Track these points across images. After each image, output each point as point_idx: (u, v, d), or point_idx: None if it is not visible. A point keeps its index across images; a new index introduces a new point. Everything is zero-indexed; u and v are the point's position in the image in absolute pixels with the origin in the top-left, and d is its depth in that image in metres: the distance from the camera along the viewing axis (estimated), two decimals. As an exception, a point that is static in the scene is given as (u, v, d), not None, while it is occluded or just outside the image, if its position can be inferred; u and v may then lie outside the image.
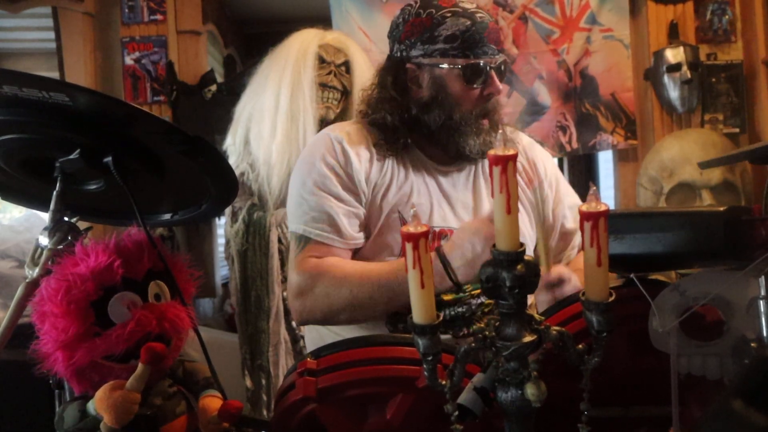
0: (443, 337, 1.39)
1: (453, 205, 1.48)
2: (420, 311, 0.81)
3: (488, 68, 1.41)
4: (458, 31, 1.39)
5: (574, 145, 3.31)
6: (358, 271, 1.37)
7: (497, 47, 1.42)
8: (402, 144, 1.46)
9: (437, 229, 1.45)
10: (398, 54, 1.47)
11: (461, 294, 1.43)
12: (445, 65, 1.41)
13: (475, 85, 1.41)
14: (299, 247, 1.44)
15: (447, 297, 1.41)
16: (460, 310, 1.42)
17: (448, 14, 1.40)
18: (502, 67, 1.44)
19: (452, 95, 1.41)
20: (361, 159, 1.44)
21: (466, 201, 1.50)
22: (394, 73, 1.47)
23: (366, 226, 1.45)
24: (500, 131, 1.03)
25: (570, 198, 1.62)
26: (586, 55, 3.26)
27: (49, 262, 1.10)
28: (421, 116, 1.45)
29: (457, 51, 1.39)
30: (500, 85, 1.43)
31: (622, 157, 3.45)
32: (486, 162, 1.51)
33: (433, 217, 1.45)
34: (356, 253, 1.45)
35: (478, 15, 1.40)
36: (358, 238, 1.43)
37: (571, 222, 1.59)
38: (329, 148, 1.44)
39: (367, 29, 3.18)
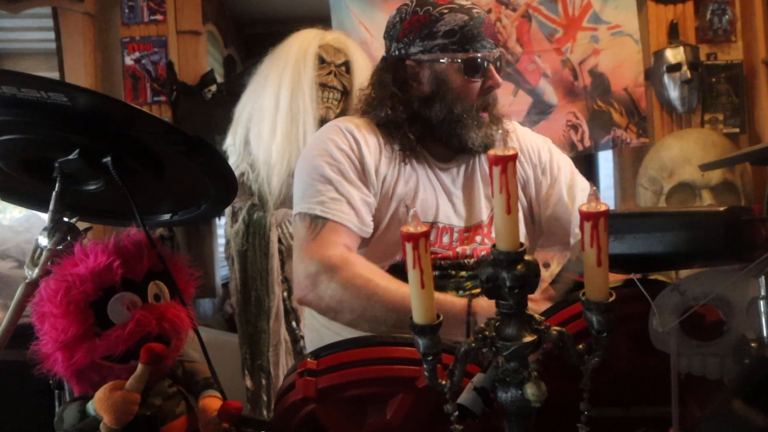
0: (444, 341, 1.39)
1: (454, 202, 1.49)
2: (420, 311, 0.81)
3: (487, 62, 1.42)
4: (456, 26, 1.41)
5: (587, 143, 3.28)
6: (382, 287, 1.31)
7: (494, 41, 1.44)
8: (411, 143, 1.46)
9: (441, 226, 1.46)
10: (396, 52, 1.48)
11: (461, 293, 1.43)
12: (445, 60, 1.42)
13: (475, 78, 1.43)
14: (315, 229, 1.39)
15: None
16: None
17: (446, 11, 1.42)
18: (498, 63, 1.45)
19: (453, 89, 1.43)
20: (371, 149, 1.45)
21: (463, 197, 1.51)
22: (394, 71, 1.48)
23: (375, 218, 1.44)
24: (500, 130, 1.02)
25: (566, 177, 1.59)
26: (594, 54, 3.24)
27: (49, 263, 1.10)
28: (422, 111, 1.46)
29: (457, 45, 1.41)
30: (499, 79, 1.44)
31: (622, 157, 3.45)
32: (483, 158, 1.51)
33: (438, 213, 1.46)
34: (363, 244, 1.44)
35: (474, 10, 1.43)
36: (371, 226, 1.43)
37: (566, 199, 1.56)
38: (340, 136, 1.45)
39: (368, 24, 3.18)
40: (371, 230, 1.43)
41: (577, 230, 1.55)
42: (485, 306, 1.25)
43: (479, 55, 1.41)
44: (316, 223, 1.39)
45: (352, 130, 1.45)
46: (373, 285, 1.31)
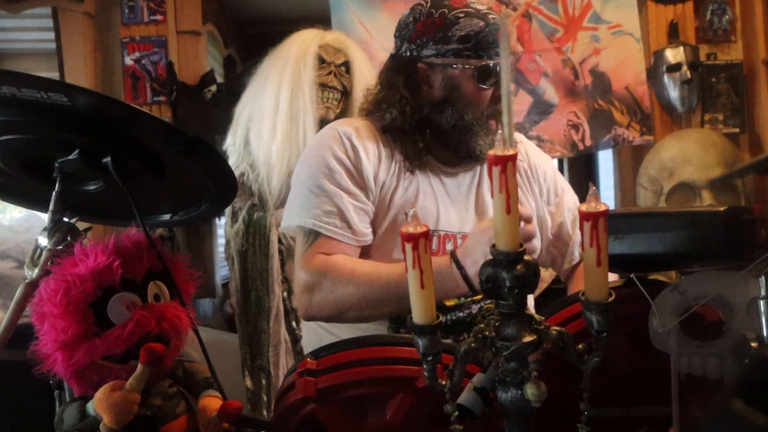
0: (444, 341, 1.39)
1: (458, 209, 1.47)
2: (420, 311, 0.81)
3: (500, 69, 1.40)
4: (472, 31, 1.38)
5: (588, 142, 3.27)
6: (367, 271, 1.35)
7: None
8: (417, 150, 1.45)
9: (442, 233, 1.44)
10: (408, 53, 1.45)
11: (463, 300, 1.42)
12: (458, 65, 1.40)
13: (487, 86, 1.41)
14: (307, 242, 1.41)
15: (449, 302, 1.40)
16: (461, 314, 1.42)
17: (461, 15, 1.39)
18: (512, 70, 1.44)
19: (465, 95, 1.41)
20: (370, 156, 1.43)
21: (469, 204, 1.49)
22: (405, 73, 1.45)
23: (372, 225, 1.43)
24: (500, 131, 1.00)
25: (570, 203, 1.61)
26: (595, 53, 3.24)
27: (49, 263, 1.10)
28: (432, 116, 1.44)
29: (471, 52, 1.39)
30: (511, 87, 1.43)
31: (622, 157, 3.45)
32: None
33: (439, 221, 1.44)
34: (362, 252, 1.43)
35: (491, 16, 1.40)
36: (368, 234, 1.42)
37: (569, 226, 1.58)
38: (338, 143, 1.43)
39: (368, 24, 3.17)
40: (369, 238, 1.42)
41: (576, 255, 1.56)
42: (469, 250, 1.26)
43: (493, 62, 1.38)
44: (309, 236, 1.41)
45: (350, 135, 1.43)
46: (358, 274, 1.34)
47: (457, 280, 1.27)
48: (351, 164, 1.41)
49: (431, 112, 1.44)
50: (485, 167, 1.51)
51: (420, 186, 1.45)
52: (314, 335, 1.54)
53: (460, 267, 1.27)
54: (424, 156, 1.46)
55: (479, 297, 1.43)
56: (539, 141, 3.19)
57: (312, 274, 1.38)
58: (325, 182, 1.40)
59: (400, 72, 1.47)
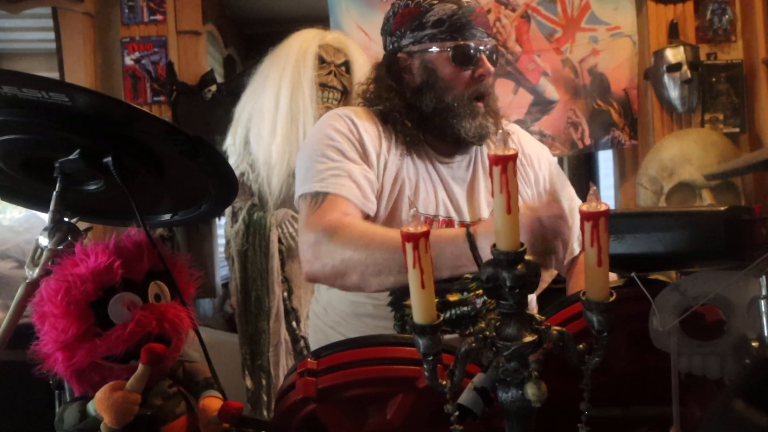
0: (450, 336, 1.39)
1: (453, 197, 1.49)
2: (420, 311, 0.81)
3: (477, 50, 1.42)
4: (445, 15, 1.42)
5: (587, 141, 3.28)
6: (379, 233, 1.29)
7: (486, 31, 1.44)
8: (410, 131, 1.46)
9: (441, 218, 1.46)
10: (390, 46, 1.50)
11: (466, 294, 1.43)
12: (434, 49, 1.43)
13: (465, 67, 1.43)
14: (315, 204, 1.37)
15: (452, 297, 1.42)
16: (465, 309, 1.43)
17: (435, 2, 1.44)
18: (494, 56, 1.46)
19: (443, 78, 1.43)
20: (371, 135, 1.45)
21: (463, 192, 1.50)
22: (388, 65, 1.50)
23: (377, 200, 1.43)
24: (500, 130, 1.00)
25: (566, 191, 1.61)
26: (594, 54, 3.24)
27: (49, 263, 1.10)
28: (414, 102, 1.47)
29: (445, 34, 1.42)
30: (491, 67, 1.44)
31: (622, 157, 3.45)
32: (484, 152, 1.52)
33: (438, 206, 1.46)
34: None
35: (464, 0, 1.44)
36: (374, 202, 1.41)
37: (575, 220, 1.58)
38: (339, 121, 1.45)
39: (366, 27, 3.17)
40: (374, 207, 1.41)
41: (576, 246, 1.56)
42: (485, 228, 1.19)
43: (469, 43, 1.41)
44: (317, 198, 1.37)
45: (350, 115, 1.46)
46: (370, 233, 1.29)
47: (466, 255, 1.18)
48: (354, 137, 1.43)
49: (413, 98, 1.47)
50: (479, 156, 1.53)
51: (420, 170, 1.47)
52: (321, 335, 1.55)
53: (472, 243, 1.18)
54: (421, 136, 1.48)
55: (481, 291, 1.43)
56: (541, 136, 3.19)
57: (321, 231, 1.31)
58: (328, 151, 1.41)
59: (384, 65, 1.52)
